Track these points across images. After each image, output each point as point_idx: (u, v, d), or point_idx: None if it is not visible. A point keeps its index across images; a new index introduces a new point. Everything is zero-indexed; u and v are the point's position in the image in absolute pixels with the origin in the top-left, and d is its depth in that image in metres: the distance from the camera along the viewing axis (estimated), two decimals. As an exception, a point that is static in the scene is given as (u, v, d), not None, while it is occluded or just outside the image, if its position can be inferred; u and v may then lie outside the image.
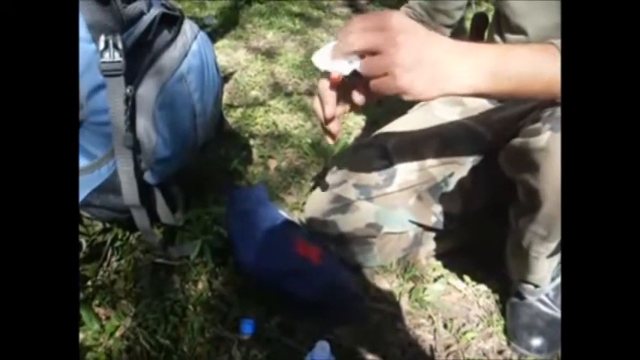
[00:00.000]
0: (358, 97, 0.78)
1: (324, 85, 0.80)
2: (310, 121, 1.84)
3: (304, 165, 1.60)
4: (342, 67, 0.75)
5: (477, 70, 0.73)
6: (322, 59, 0.77)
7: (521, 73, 0.74)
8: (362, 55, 0.73)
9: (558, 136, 0.76)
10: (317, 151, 1.66)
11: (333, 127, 0.84)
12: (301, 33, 2.95)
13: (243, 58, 2.49)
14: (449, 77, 0.72)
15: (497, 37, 1.12)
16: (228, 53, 2.54)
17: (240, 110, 1.89)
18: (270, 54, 2.56)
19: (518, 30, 1.05)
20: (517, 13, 1.04)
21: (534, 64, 0.74)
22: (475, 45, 0.75)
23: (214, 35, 2.72)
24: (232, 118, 1.83)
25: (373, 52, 0.72)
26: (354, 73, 0.75)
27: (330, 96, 0.80)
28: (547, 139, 0.77)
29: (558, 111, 0.79)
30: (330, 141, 0.87)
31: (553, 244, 0.90)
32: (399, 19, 0.72)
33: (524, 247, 0.93)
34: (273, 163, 1.58)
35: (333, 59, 0.75)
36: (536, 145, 0.79)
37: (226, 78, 2.22)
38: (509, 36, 1.08)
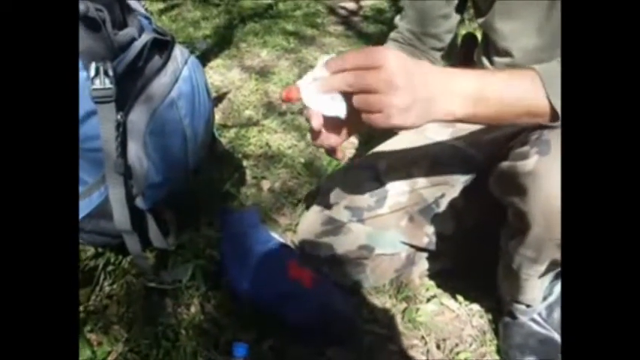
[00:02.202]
0: (333, 140, 0.83)
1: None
2: (304, 141, 1.85)
3: (297, 185, 1.60)
4: (326, 108, 0.76)
5: (458, 96, 0.75)
6: (308, 93, 0.76)
7: (502, 99, 0.76)
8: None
9: (545, 159, 0.77)
10: (310, 171, 1.67)
11: (331, 140, 0.84)
12: (295, 51, 2.97)
13: (237, 78, 2.50)
14: (437, 110, 0.74)
15: (484, 59, 1.13)
16: (222, 73, 2.55)
17: (233, 130, 1.90)
18: (264, 73, 2.57)
19: (505, 53, 1.06)
20: (502, 36, 1.05)
21: (515, 90, 0.76)
22: (456, 71, 0.77)
23: (208, 54, 2.74)
24: (226, 138, 1.84)
25: (369, 91, 0.73)
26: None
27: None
28: (534, 163, 0.78)
29: (545, 134, 0.80)
30: (336, 157, 0.88)
31: (542, 267, 0.90)
32: (394, 57, 0.73)
33: (514, 269, 0.94)
34: (266, 184, 1.59)
35: (321, 93, 0.76)
36: (523, 168, 0.80)
37: (220, 98, 2.23)
38: (496, 59, 1.09)
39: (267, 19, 3.71)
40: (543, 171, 0.77)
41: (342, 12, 4.34)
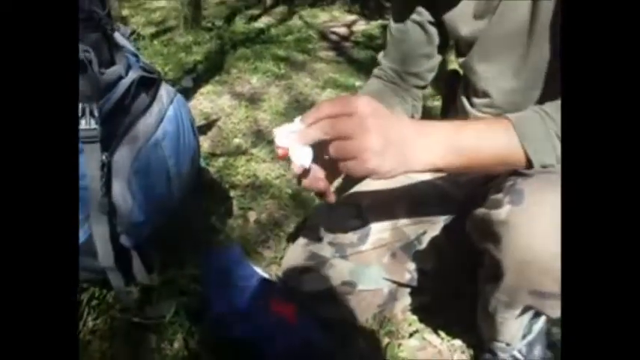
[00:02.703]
0: (321, 184, 0.84)
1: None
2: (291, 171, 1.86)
3: (284, 217, 1.62)
4: (306, 157, 0.78)
5: (434, 147, 0.78)
6: (285, 141, 0.79)
7: (474, 149, 0.78)
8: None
9: (518, 209, 0.79)
10: (297, 202, 1.68)
11: (319, 184, 0.86)
12: (286, 78, 3.00)
13: (227, 104, 2.52)
14: (411, 156, 0.76)
15: (464, 99, 1.15)
16: (213, 99, 2.57)
17: (222, 159, 1.92)
18: (254, 100, 2.60)
19: (483, 94, 1.08)
20: (481, 77, 1.07)
21: (490, 139, 0.79)
22: (432, 123, 0.81)
23: (199, 81, 2.76)
24: (214, 167, 1.85)
25: (344, 137, 0.74)
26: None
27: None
28: (507, 213, 0.80)
29: (519, 182, 0.81)
30: (327, 200, 0.89)
31: (517, 310, 0.92)
32: (366, 104, 0.75)
33: (490, 312, 0.95)
34: (252, 216, 1.60)
35: (296, 143, 0.78)
36: (497, 217, 0.81)
37: (209, 125, 2.25)
38: (475, 99, 1.11)
39: (259, 44, 3.75)
40: (516, 221, 0.78)
41: (334, 37, 4.39)
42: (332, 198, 0.89)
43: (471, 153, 0.79)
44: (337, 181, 1.79)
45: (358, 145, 0.73)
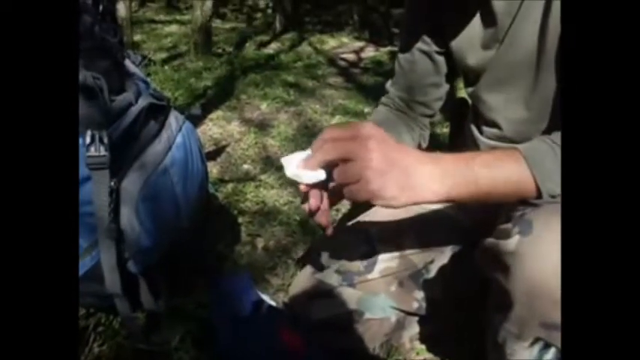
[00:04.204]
0: (323, 219, 0.89)
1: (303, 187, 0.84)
2: (300, 197, 1.86)
3: (292, 244, 1.61)
4: (310, 176, 0.79)
5: (443, 179, 0.78)
6: (293, 166, 0.80)
7: (485, 180, 0.78)
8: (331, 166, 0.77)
9: (527, 240, 0.78)
10: (305, 229, 1.68)
11: (321, 218, 0.89)
12: (295, 104, 3.01)
13: (236, 130, 2.54)
14: (417, 186, 0.76)
15: (473, 128, 1.15)
16: (222, 125, 2.59)
17: (230, 186, 1.92)
18: (263, 126, 2.61)
19: (492, 124, 1.08)
20: (490, 107, 1.07)
21: (499, 171, 0.79)
22: (440, 155, 0.81)
23: (209, 106, 2.78)
24: (222, 194, 1.86)
25: (346, 160, 0.75)
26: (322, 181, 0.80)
27: (313, 194, 0.84)
28: (516, 243, 0.79)
29: (528, 212, 0.81)
30: (326, 231, 0.92)
31: (527, 342, 0.91)
32: (369, 128, 0.77)
33: (499, 342, 0.94)
34: (260, 242, 1.60)
35: (304, 168, 0.79)
36: (505, 248, 0.81)
37: (219, 151, 2.26)
38: (484, 128, 1.11)
39: (269, 70, 3.78)
40: (524, 252, 0.78)
41: (343, 63, 4.43)
42: (330, 231, 0.93)
43: (482, 184, 0.78)
44: (346, 207, 1.81)
45: (360, 164, 0.74)
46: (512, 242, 0.80)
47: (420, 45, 1.16)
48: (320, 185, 0.83)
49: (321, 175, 0.79)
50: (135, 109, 1.06)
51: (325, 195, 0.87)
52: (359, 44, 5.63)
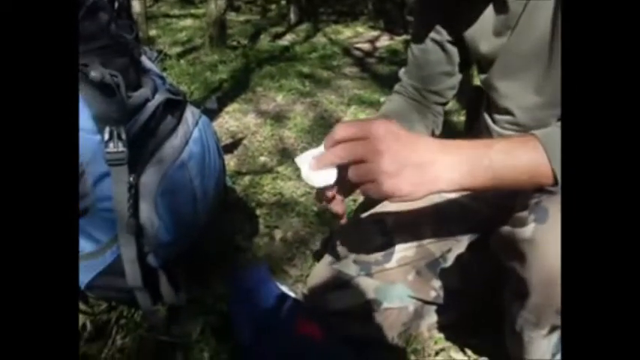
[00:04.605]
0: (338, 208, 0.88)
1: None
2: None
3: (309, 235, 1.62)
4: (322, 179, 0.79)
5: (461, 166, 0.77)
6: (305, 168, 0.81)
7: (502, 167, 0.77)
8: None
9: (543, 227, 0.78)
10: (322, 220, 1.69)
11: (336, 207, 0.89)
12: (311, 95, 3.01)
13: (252, 123, 2.55)
14: (434, 177, 0.76)
15: (486, 116, 1.15)
16: (238, 118, 2.60)
17: (247, 178, 1.93)
18: (279, 118, 2.62)
19: (505, 111, 1.08)
20: (502, 94, 1.07)
21: (515, 158, 0.77)
22: (457, 142, 0.79)
23: (225, 99, 2.79)
24: (240, 186, 1.87)
25: (359, 161, 0.76)
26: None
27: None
28: (532, 231, 0.79)
29: (544, 200, 0.81)
30: (340, 220, 0.93)
31: (544, 330, 0.91)
32: (380, 126, 0.76)
33: (517, 331, 0.94)
34: (278, 234, 1.61)
35: (315, 169, 0.79)
36: (521, 235, 0.81)
37: (235, 144, 2.28)
38: (497, 116, 1.11)
39: (284, 61, 3.79)
40: (540, 240, 0.78)
41: (358, 53, 4.42)
42: (344, 220, 0.94)
43: (499, 171, 0.77)
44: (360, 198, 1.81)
45: (372, 168, 0.75)
46: (528, 230, 0.80)
47: (432, 34, 1.16)
48: (332, 186, 0.83)
49: (331, 178, 0.79)
50: (152, 105, 1.08)
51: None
52: (374, 33, 5.60)
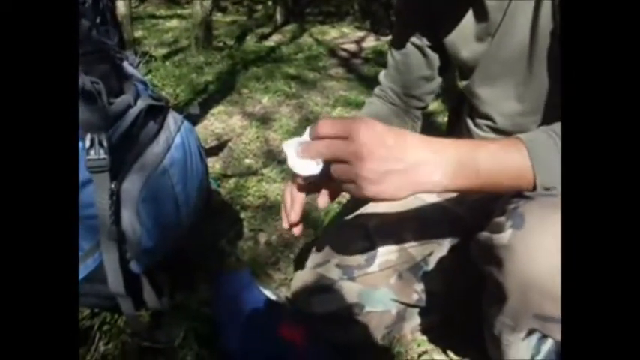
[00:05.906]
0: (322, 202, 0.86)
1: (292, 188, 0.85)
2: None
3: (294, 238, 1.62)
4: (307, 169, 0.79)
5: (444, 168, 0.76)
6: (292, 155, 0.80)
7: (487, 170, 0.77)
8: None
9: (520, 234, 0.79)
10: (307, 223, 1.69)
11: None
12: (296, 97, 3.02)
13: (238, 125, 2.55)
14: (418, 179, 0.76)
15: (468, 120, 1.16)
16: (224, 120, 2.60)
17: (233, 181, 1.94)
18: (264, 120, 2.62)
19: (485, 117, 1.09)
20: (483, 101, 1.08)
21: (501, 160, 0.77)
22: (442, 142, 0.79)
23: (210, 101, 2.79)
24: (225, 189, 1.87)
25: (340, 161, 0.76)
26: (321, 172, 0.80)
27: (298, 203, 0.85)
28: (509, 237, 0.80)
29: (521, 206, 0.82)
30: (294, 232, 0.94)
31: (522, 333, 0.92)
32: (366, 129, 0.74)
33: (495, 334, 0.95)
34: (262, 237, 1.62)
35: (301, 158, 0.79)
36: (499, 241, 0.82)
37: (221, 146, 2.27)
38: (478, 120, 1.12)
39: (270, 62, 3.78)
40: (517, 245, 0.78)
41: (344, 54, 4.42)
42: (298, 230, 0.95)
43: (484, 174, 0.77)
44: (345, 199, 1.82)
45: (354, 171, 0.74)
46: (505, 236, 0.80)
47: (412, 39, 1.17)
48: (317, 177, 0.82)
49: (315, 169, 0.79)
50: (134, 111, 1.08)
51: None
52: (360, 34, 5.61)
